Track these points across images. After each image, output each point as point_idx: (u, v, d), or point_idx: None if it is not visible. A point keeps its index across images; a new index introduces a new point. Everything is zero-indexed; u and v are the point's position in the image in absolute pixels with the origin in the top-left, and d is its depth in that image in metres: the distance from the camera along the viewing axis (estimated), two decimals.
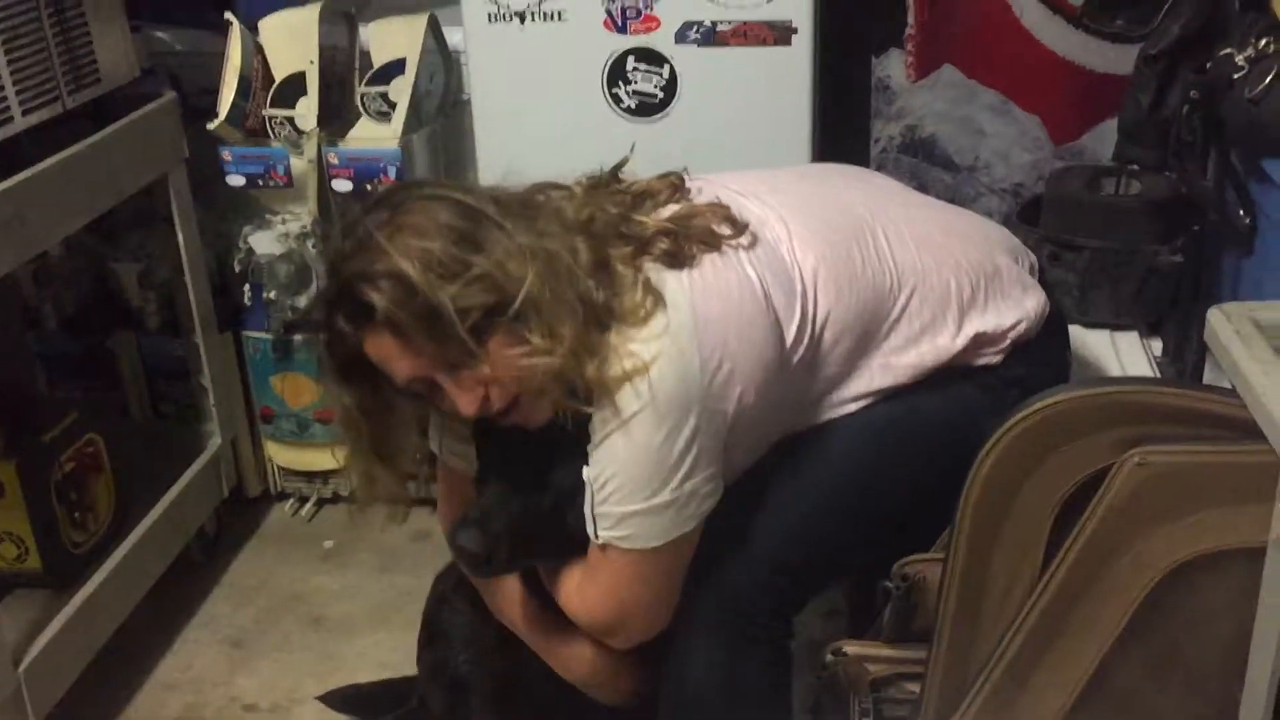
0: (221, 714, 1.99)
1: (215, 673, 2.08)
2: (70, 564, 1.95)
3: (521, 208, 1.31)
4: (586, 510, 1.29)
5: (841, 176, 1.59)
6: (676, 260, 1.28)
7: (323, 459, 2.43)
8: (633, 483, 1.25)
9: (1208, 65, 1.76)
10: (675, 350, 1.23)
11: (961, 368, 1.40)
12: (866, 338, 1.36)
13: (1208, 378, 1.82)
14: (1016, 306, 1.43)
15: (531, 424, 1.32)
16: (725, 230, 1.32)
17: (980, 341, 1.40)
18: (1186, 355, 1.91)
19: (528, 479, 1.34)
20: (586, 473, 1.28)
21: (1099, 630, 1.22)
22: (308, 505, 2.48)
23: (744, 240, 1.32)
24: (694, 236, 1.30)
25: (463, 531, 1.32)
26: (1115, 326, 1.95)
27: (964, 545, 1.27)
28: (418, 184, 1.33)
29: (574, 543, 1.33)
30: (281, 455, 2.46)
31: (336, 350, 1.30)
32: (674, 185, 1.42)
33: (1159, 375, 1.84)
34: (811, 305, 1.33)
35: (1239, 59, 1.66)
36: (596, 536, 1.30)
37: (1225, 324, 1.11)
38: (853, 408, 1.38)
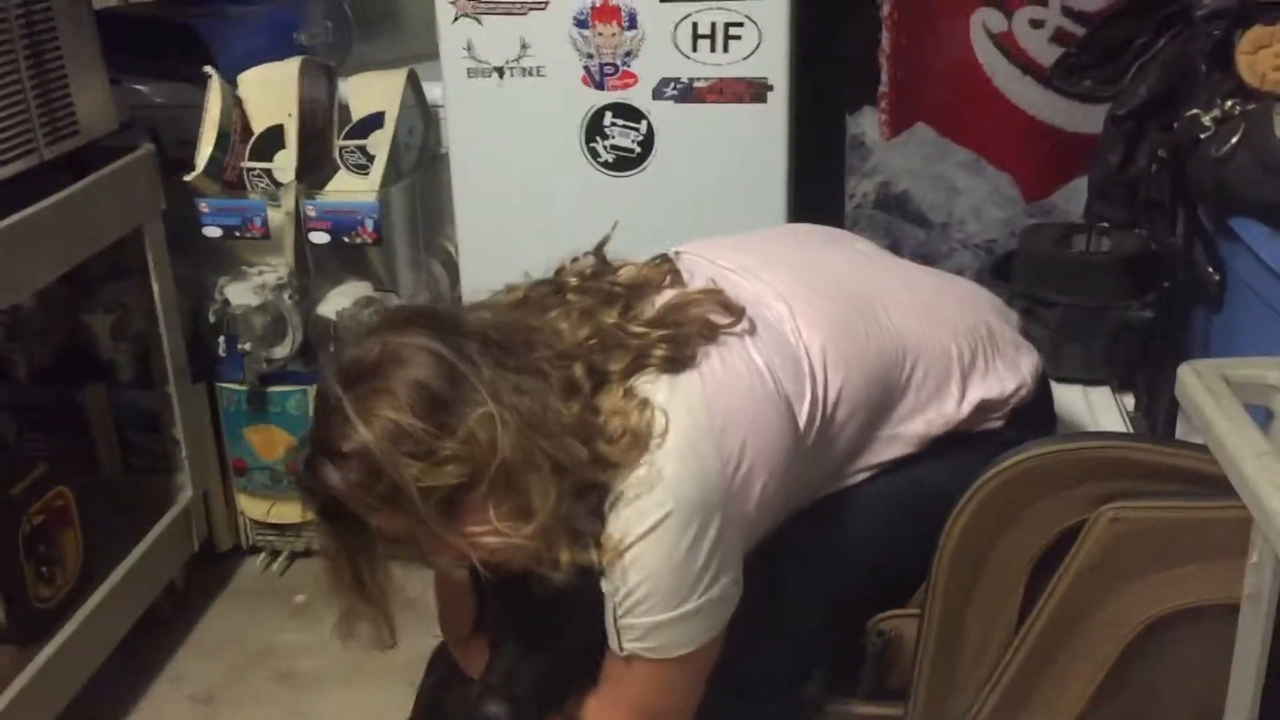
0: None
1: None
2: (36, 620, 1.92)
3: (512, 344, 1.21)
4: (608, 623, 1.23)
5: (824, 243, 1.56)
6: (678, 364, 1.23)
7: (295, 512, 2.39)
8: (659, 593, 1.19)
9: (1175, 125, 1.79)
10: (693, 457, 1.19)
11: (965, 434, 1.38)
12: (876, 411, 1.33)
13: (1180, 432, 1.83)
14: (1014, 370, 1.42)
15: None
16: (722, 319, 1.28)
17: (984, 408, 1.38)
18: (1158, 410, 1.92)
19: (541, 626, 1.30)
20: (604, 585, 1.22)
21: (1075, 685, 1.22)
22: (279, 559, 2.46)
23: (744, 325, 1.28)
24: (692, 331, 1.26)
25: (489, 703, 1.28)
26: (1088, 382, 1.97)
27: (940, 601, 1.27)
28: (402, 319, 1.22)
29: (596, 668, 1.28)
30: (254, 508, 2.43)
31: (314, 495, 1.23)
32: (666, 271, 1.36)
33: (1132, 430, 1.86)
34: (821, 386, 1.29)
35: (1205, 119, 1.68)
36: (621, 649, 1.23)
37: (1196, 381, 1.11)
38: (860, 479, 1.35)
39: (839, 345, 1.31)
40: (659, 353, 1.23)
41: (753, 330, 1.28)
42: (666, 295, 1.31)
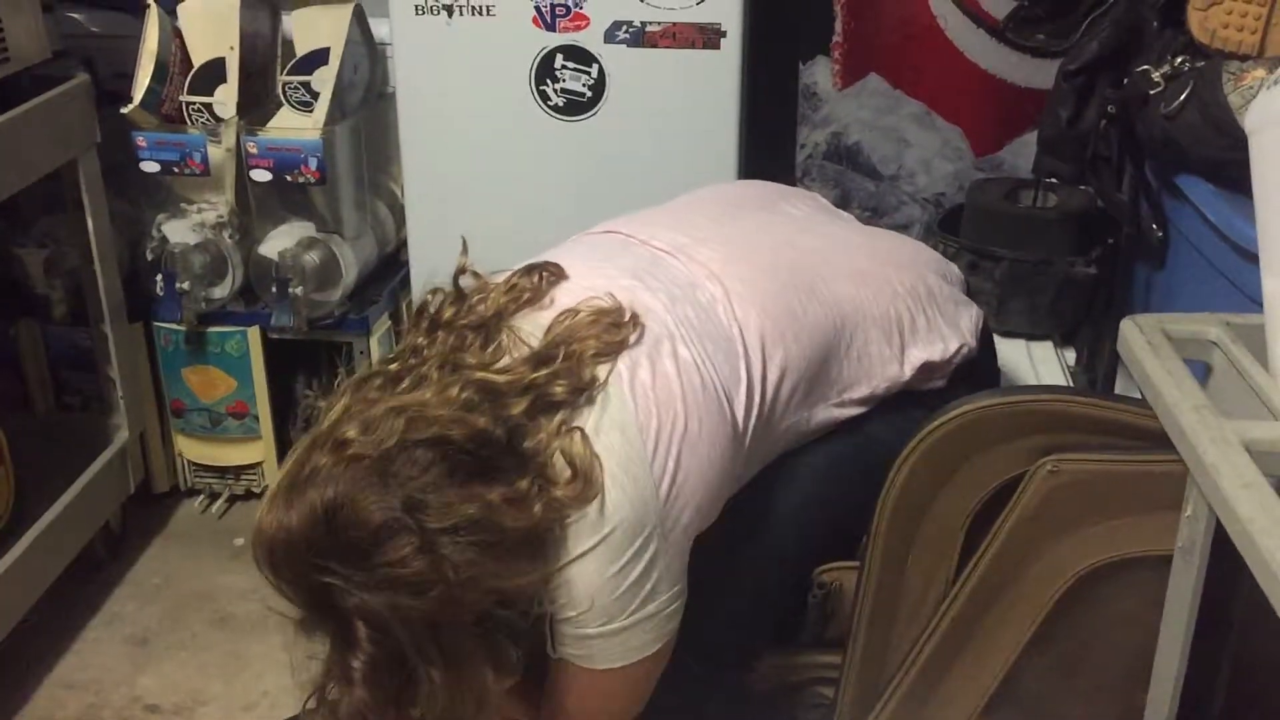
0: (123, 714, 1.94)
1: (117, 672, 2.02)
2: None
3: (440, 492, 1.09)
4: (546, 622, 1.21)
5: (759, 210, 1.52)
6: (592, 385, 1.17)
7: (235, 454, 2.38)
8: (592, 611, 1.17)
9: (1125, 81, 1.79)
10: (628, 479, 1.15)
11: (910, 392, 1.38)
12: (817, 383, 1.31)
13: (1119, 387, 1.86)
14: (955, 330, 1.42)
15: None
16: (615, 337, 1.20)
17: (927, 369, 1.38)
18: (1099, 365, 1.95)
19: None
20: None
21: (1010, 635, 1.23)
22: (218, 502, 2.43)
23: (658, 328, 1.22)
24: (584, 359, 1.17)
25: None
26: (1031, 336, 1.98)
27: (880, 552, 1.28)
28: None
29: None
30: (192, 450, 2.40)
31: None
32: (537, 283, 1.26)
33: (1072, 384, 1.88)
34: (759, 367, 1.26)
35: (1155, 75, 1.69)
36: (553, 650, 1.22)
37: (1138, 335, 1.13)
38: (808, 442, 1.35)
39: (776, 323, 1.28)
40: (559, 387, 1.16)
41: (679, 324, 1.23)
42: (544, 317, 1.23)
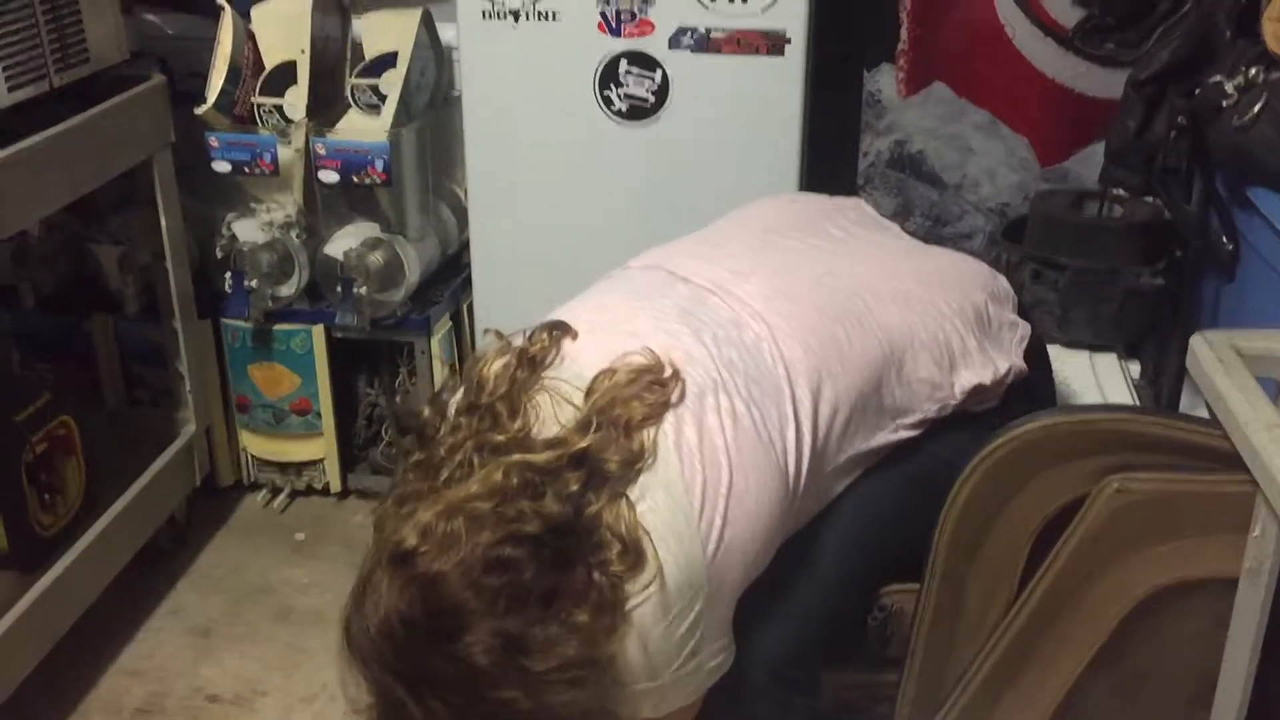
0: (184, 704, 1.98)
1: (180, 662, 2.06)
2: (37, 546, 1.93)
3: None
4: None
5: (799, 236, 1.47)
6: (634, 464, 1.13)
7: (297, 450, 2.42)
8: (630, 669, 1.13)
9: (1196, 91, 1.77)
10: (674, 539, 1.12)
11: (967, 413, 1.36)
12: (869, 412, 1.29)
13: (1184, 403, 1.83)
14: (1004, 352, 1.40)
15: None
16: (659, 397, 1.16)
17: (978, 391, 1.36)
18: (1164, 379, 1.92)
19: None
20: None
21: (1072, 654, 1.22)
22: (280, 497, 2.47)
23: (702, 379, 1.18)
24: (631, 426, 1.13)
25: None
26: (1094, 347, 1.96)
27: (940, 572, 1.27)
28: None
29: None
30: (256, 445, 2.44)
31: None
32: (551, 344, 1.22)
33: (1136, 398, 1.85)
34: (808, 405, 1.23)
35: (1228, 87, 1.66)
36: None
37: (1208, 351, 1.11)
38: (862, 471, 1.32)
39: (823, 359, 1.25)
40: (613, 461, 1.12)
41: (724, 369, 1.21)
42: (583, 368, 1.20)
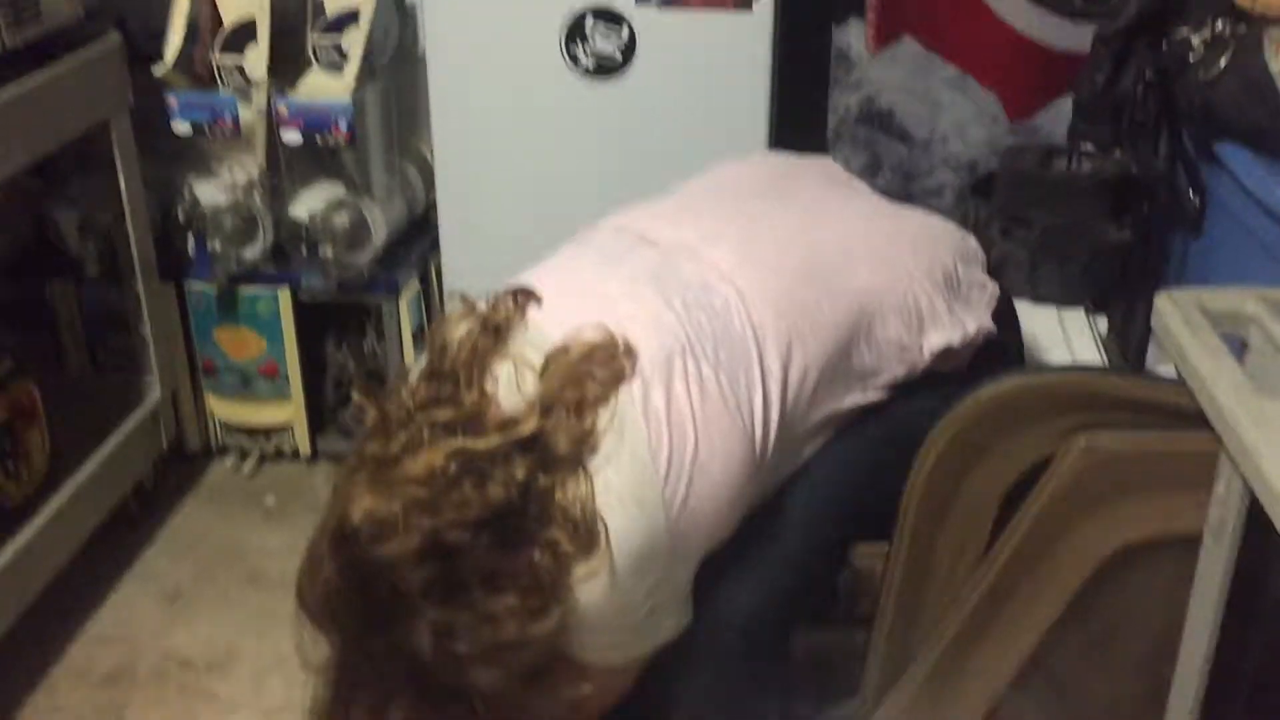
0: (156, 669, 1.97)
1: (151, 628, 2.06)
2: (2, 515, 1.91)
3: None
4: None
5: (769, 196, 1.46)
6: (584, 442, 1.13)
7: (265, 414, 2.40)
8: (586, 623, 1.14)
9: (1164, 46, 1.76)
10: (636, 506, 1.13)
11: (935, 374, 1.36)
12: (838, 376, 1.28)
13: (1153, 354, 1.84)
14: (973, 314, 1.40)
15: None
16: (612, 372, 1.15)
17: (946, 354, 1.36)
18: (1131, 333, 1.93)
19: None
20: None
21: (1039, 612, 1.23)
22: (249, 461, 2.45)
23: (672, 338, 1.19)
24: (582, 406, 1.13)
25: None
26: (1063, 303, 1.97)
27: (909, 532, 1.27)
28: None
29: None
30: (223, 410, 2.42)
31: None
32: (513, 312, 1.22)
33: (1104, 353, 1.86)
34: (777, 369, 1.23)
35: (1195, 41, 1.66)
36: None
37: (1174, 311, 1.11)
38: (831, 434, 1.32)
39: (792, 323, 1.25)
40: (562, 440, 1.12)
41: (692, 334, 1.20)
42: (541, 339, 1.20)
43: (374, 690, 1.15)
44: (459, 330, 1.20)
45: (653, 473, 1.14)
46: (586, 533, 1.11)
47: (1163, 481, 1.15)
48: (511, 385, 1.16)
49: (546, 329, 1.21)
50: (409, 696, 1.14)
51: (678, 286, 1.25)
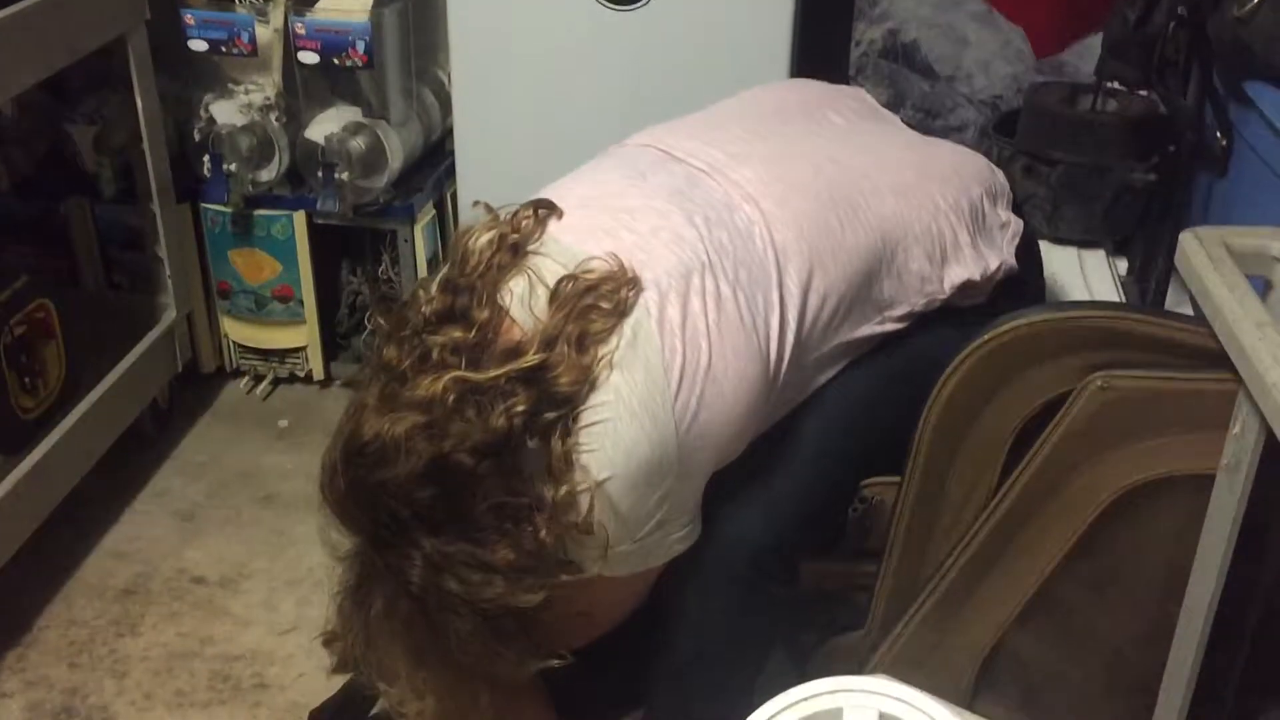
0: (169, 584, 1.99)
1: (164, 544, 2.08)
2: (19, 429, 1.92)
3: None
4: None
5: (800, 120, 1.45)
6: (583, 382, 1.13)
7: (279, 337, 2.41)
8: (595, 536, 1.16)
9: None
10: (648, 417, 1.13)
11: (954, 308, 1.36)
12: (858, 303, 1.28)
13: (1171, 299, 1.83)
14: (996, 248, 1.39)
15: None
16: (616, 302, 1.15)
17: (966, 288, 1.36)
18: (1151, 275, 1.91)
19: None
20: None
21: (1047, 547, 1.23)
22: (263, 384, 2.46)
23: (691, 253, 1.18)
24: (584, 340, 1.13)
25: None
26: (1084, 243, 1.95)
27: (921, 464, 1.27)
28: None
29: None
30: (238, 331, 2.43)
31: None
32: (527, 222, 1.21)
33: (1123, 295, 1.85)
34: (797, 292, 1.22)
35: None
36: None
37: (1198, 248, 1.10)
38: (845, 363, 1.32)
39: (815, 246, 1.24)
40: (563, 380, 1.12)
41: (713, 251, 1.20)
42: (560, 252, 1.19)
43: (389, 584, 1.18)
44: (481, 239, 1.20)
45: (665, 384, 1.14)
46: (580, 468, 1.13)
47: (1179, 421, 1.14)
48: (525, 301, 1.17)
49: (565, 241, 1.21)
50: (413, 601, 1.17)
51: (701, 204, 1.25)
